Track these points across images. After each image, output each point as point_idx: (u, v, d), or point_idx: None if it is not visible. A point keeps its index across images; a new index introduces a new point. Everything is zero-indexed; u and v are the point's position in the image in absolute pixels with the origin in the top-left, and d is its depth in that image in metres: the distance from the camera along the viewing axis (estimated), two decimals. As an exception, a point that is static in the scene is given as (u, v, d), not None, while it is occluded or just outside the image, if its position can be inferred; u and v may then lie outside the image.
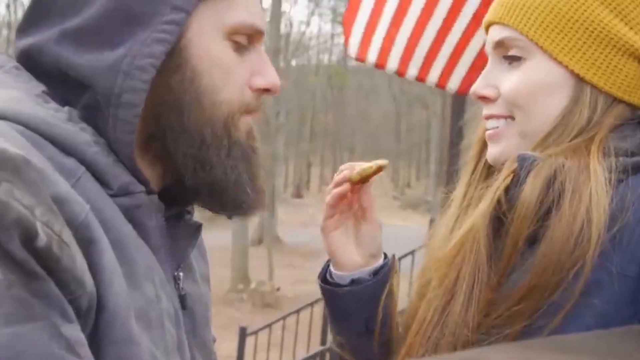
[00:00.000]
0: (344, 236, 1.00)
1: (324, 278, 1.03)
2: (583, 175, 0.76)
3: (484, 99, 0.89)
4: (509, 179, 0.80)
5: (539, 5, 0.85)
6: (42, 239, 0.51)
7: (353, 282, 0.99)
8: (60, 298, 0.52)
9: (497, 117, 0.88)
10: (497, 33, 0.88)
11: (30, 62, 0.68)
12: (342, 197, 0.99)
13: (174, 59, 0.66)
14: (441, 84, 3.41)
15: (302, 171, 31.85)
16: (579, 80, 0.84)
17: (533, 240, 0.77)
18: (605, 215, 0.73)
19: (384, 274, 0.99)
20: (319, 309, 5.21)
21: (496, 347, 0.46)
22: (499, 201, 0.80)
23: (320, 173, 34.00)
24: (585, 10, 0.83)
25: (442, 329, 0.82)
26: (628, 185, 0.75)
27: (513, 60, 0.86)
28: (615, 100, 0.83)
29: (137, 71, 0.63)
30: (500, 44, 0.88)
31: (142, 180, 0.66)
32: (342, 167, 1.01)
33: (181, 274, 0.74)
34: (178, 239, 0.73)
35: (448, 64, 3.33)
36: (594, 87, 0.83)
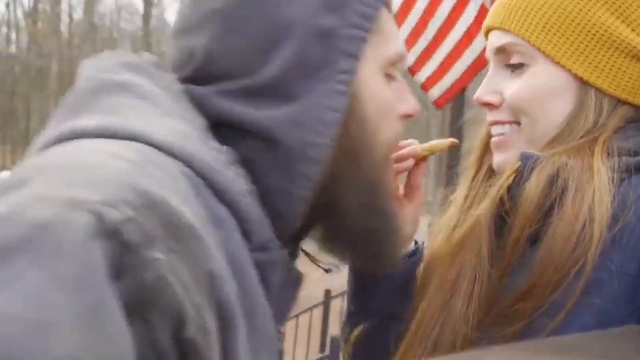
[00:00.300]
0: None
1: None
2: (586, 174, 0.76)
3: (488, 105, 0.88)
4: (512, 177, 0.80)
5: (539, 10, 0.84)
6: (190, 330, 0.46)
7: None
8: None
9: (502, 122, 0.88)
10: (497, 39, 0.87)
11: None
12: (402, 172, 0.95)
13: (347, 110, 0.64)
14: (425, 87, 3.41)
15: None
16: (583, 83, 0.84)
17: (535, 239, 0.77)
18: (607, 214, 0.73)
19: (418, 258, 0.97)
20: (319, 313, 5.19)
21: (492, 349, 0.46)
22: (501, 199, 0.80)
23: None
24: (586, 13, 0.83)
25: (442, 327, 0.82)
26: (630, 184, 0.76)
27: (515, 68, 0.86)
28: (620, 102, 0.84)
29: (323, 127, 0.62)
30: (501, 50, 0.87)
31: (283, 237, 0.63)
32: (403, 142, 0.96)
33: (283, 329, 0.71)
34: (287, 291, 0.68)
35: (438, 70, 3.35)
36: (598, 90, 0.83)
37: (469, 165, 0.96)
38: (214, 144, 0.60)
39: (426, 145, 0.94)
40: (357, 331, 0.98)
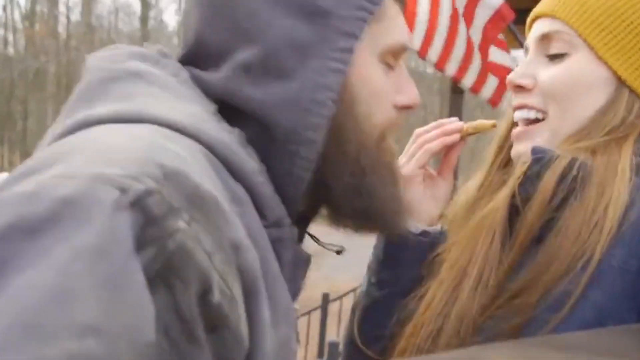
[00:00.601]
0: (425, 188, 0.98)
1: None
2: (611, 171, 0.77)
3: (520, 88, 0.88)
4: (525, 170, 0.81)
5: (594, 4, 0.85)
6: (216, 295, 0.48)
7: (423, 233, 0.96)
8: None
9: (529, 107, 0.88)
10: (544, 26, 0.88)
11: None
12: (447, 147, 0.96)
13: (340, 90, 0.64)
14: (457, 78, 3.38)
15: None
16: (620, 82, 0.84)
17: (544, 233, 0.78)
18: (621, 211, 0.74)
19: (443, 238, 0.97)
20: (317, 317, 5.18)
21: (494, 345, 0.46)
22: (516, 190, 0.81)
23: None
24: (639, 15, 0.83)
25: (448, 311, 0.82)
26: (638, 183, 0.77)
27: (555, 57, 0.86)
28: None
29: (316, 107, 0.62)
30: (545, 37, 0.87)
31: (292, 213, 0.64)
32: (444, 120, 0.98)
33: (297, 307, 0.72)
34: (297, 271, 0.70)
35: (464, 60, 3.31)
36: (633, 91, 0.84)
37: (489, 153, 0.96)
38: (226, 125, 0.61)
39: (472, 123, 0.96)
40: (370, 299, 0.98)
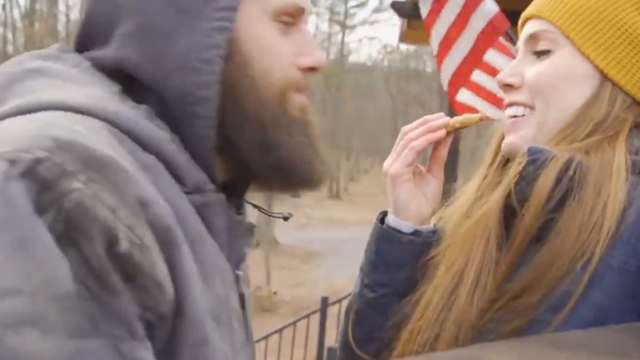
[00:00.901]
0: (414, 187, 0.96)
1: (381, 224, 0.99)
2: (606, 171, 0.78)
3: (508, 86, 0.90)
4: (521, 172, 0.81)
5: (576, 3, 0.87)
6: (124, 245, 0.51)
7: (416, 232, 0.95)
8: (129, 313, 0.51)
9: (518, 104, 0.89)
10: (531, 26, 0.91)
11: (98, 67, 0.67)
12: (435, 143, 0.96)
13: (227, 47, 0.65)
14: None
15: (300, 170, 31.81)
16: (603, 77, 0.85)
17: (542, 233, 0.78)
18: (619, 211, 0.74)
19: (439, 236, 0.96)
20: (315, 320, 5.16)
21: (494, 344, 0.45)
22: (512, 191, 0.81)
23: (317, 172, 33.97)
24: (620, 12, 0.86)
25: (446, 316, 0.82)
26: (634, 182, 0.77)
27: (542, 54, 0.88)
28: (635, 101, 0.85)
29: (205, 65, 0.63)
30: (532, 37, 0.90)
31: (213, 178, 0.66)
32: (430, 116, 0.97)
33: (241, 273, 0.74)
34: (237, 239, 0.72)
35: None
36: (615, 85, 0.85)
37: (486, 155, 0.97)
38: (131, 102, 0.64)
39: (458, 117, 0.95)
40: (363, 301, 0.98)
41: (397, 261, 0.95)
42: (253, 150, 0.68)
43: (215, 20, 0.64)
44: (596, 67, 0.85)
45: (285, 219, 0.82)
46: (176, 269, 0.56)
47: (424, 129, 0.95)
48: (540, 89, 0.87)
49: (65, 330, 0.48)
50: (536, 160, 0.79)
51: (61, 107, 0.58)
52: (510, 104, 0.91)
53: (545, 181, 0.78)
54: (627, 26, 0.85)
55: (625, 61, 0.85)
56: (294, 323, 5.48)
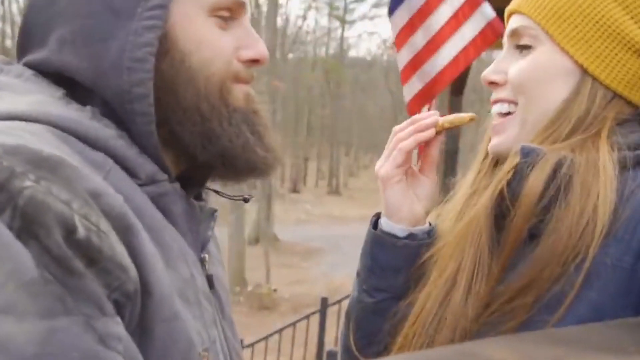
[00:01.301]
0: (406, 188, 0.95)
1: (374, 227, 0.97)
2: (592, 170, 0.77)
3: (493, 84, 0.91)
4: (512, 171, 0.80)
5: None
6: (81, 232, 0.54)
7: (410, 236, 0.94)
8: (96, 292, 0.54)
9: (503, 101, 0.90)
10: (514, 22, 0.91)
11: (43, 73, 0.69)
12: (423, 143, 0.93)
13: (162, 44, 0.67)
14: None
15: (299, 165, 31.91)
16: (583, 72, 0.85)
17: (534, 234, 0.77)
18: (610, 209, 0.74)
19: (435, 237, 0.95)
20: (315, 321, 5.16)
21: (490, 339, 0.46)
22: (501, 192, 0.80)
23: (317, 167, 34.05)
24: (597, 6, 0.85)
25: (440, 320, 0.82)
26: (628, 178, 0.76)
27: (524, 49, 0.88)
28: (616, 96, 0.84)
29: (137, 63, 0.65)
30: (514, 32, 0.90)
31: (165, 169, 0.69)
32: (419, 116, 0.95)
33: (206, 255, 0.77)
34: (199, 224, 0.75)
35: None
36: (595, 79, 0.84)
37: (478, 152, 0.96)
38: (76, 105, 0.66)
39: (448, 117, 0.93)
40: (362, 306, 0.97)
41: (394, 266, 0.94)
42: (196, 142, 0.70)
43: (146, 20, 0.66)
44: (576, 62, 0.85)
45: (246, 200, 0.85)
46: (136, 252, 0.59)
47: (412, 129, 0.93)
48: (522, 86, 0.87)
49: (36, 313, 0.51)
50: (528, 159, 0.79)
51: (5, 117, 0.61)
52: (496, 101, 0.91)
53: (536, 180, 0.77)
54: (605, 19, 0.85)
55: (604, 55, 0.84)
56: (294, 324, 5.48)
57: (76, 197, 0.55)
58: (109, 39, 0.66)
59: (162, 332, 0.61)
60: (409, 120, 0.95)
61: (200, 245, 0.76)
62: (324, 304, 5.23)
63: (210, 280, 0.76)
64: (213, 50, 0.71)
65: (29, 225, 0.52)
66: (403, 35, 3.35)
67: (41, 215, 0.53)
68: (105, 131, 0.65)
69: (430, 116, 0.93)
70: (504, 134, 0.89)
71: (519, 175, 0.79)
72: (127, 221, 0.59)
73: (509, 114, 0.89)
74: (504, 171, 0.81)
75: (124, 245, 0.58)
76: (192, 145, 0.70)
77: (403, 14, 3.36)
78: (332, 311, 5.36)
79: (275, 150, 0.76)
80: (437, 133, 0.93)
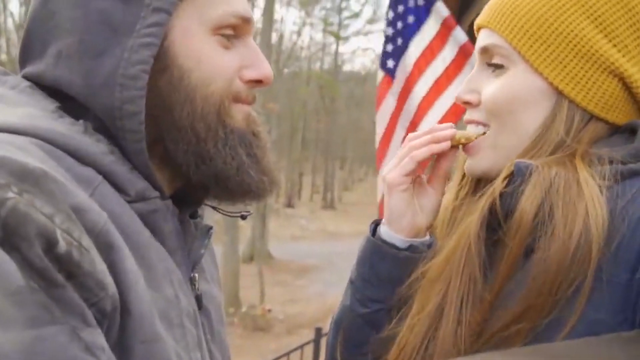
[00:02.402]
0: (411, 197, 0.92)
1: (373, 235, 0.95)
2: (574, 187, 0.75)
3: (467, 104, 0.89)
4: (504, 184, 0.78)
5: (525, 14, 0.83)
6: (62, 246, 0.53)
7: (411, 247, 0.91)
8: (80, 304, 0.54)
9: (477, 122, 0.88)
10: (484, 38, 0.88)
11: (39, 86, 0.69)
12: (435, 155, 0.92)
13: (160, 61, 0.67)
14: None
15: (294, 180, 31.90)
16: (558, 94, 0.83)
17: (529, 251, 0.75)
18: (603, 228, 0.71)
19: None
20: (309, 351, 5.09)
21: (483, 355, 0.43)
22: (491, 209, 0.78)
23: (311, 181, 34.03)
24: (570, 24, 0.82)
25: (427, 354, 0.79)
26: (618, 191, 0.74)
27: (496, 67, 0.86)
28: (593, 117, 0.83)
29: (130, 81, 0.65)
30: (485, 50, 0.88)
31: (157, 186, 0.68)
32: (437, 126, 0.93)
33: (196, 274, 0.76)
34: (192, 242, 0.75)
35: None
36: (572, 102, 0.82)
37: (459, 163, 0.94)
38: (68, 119, 0.66)
39: (465, 132, 0.91)
40: (354, 315, 0.95)
41: (393, 277, 0.91)
42: (190, 162, 0.70)
43: (142, 37, 0.66)
44: (551, 83, 0.83)
45: (243, 217, 0.83)
46: (117, 270, 0.59)
47: (427, 138, 0.91)
48: (496, 110, 0.85)
49: (23, 322, 0.51)
50: (521, 175, 0.78)
51: None
52: (470, 122, 0.90)
53: (531, 198, 0.75)
54: (578, 38, 0.82)
55: (580, 76, 0.82)
56: (288, 354, 5.42)
57: (59, 212, 0.54)
58: (105, 55, 0.65)
59: (141, 353, 0.60)
60: (427, 129, 0.93)
61: (192, 263, 0.75)
62: (318, 334, 5.17)
63: (199, 300, 0.74)
64: (215, 69, 0.70)
65: (11, 237, 0.52)
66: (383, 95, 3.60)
67: (23, 227, 0.52)
68: (96, 146, 0.64)
69: (448, 127, 0.91)
70: (477, 156, 0.87)
71: (513, 190, 0.77)
72: (109, 239, 0.59)
73: (480, 138, 0.88)
74: (498, 184, 0.80)
75: (105, 263, 0.57)
76: (185, 164, 0.70)
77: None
78: (326, 340, 5.28)
79: (273, 173, 0.75)
80: (452, 147, 0.91)
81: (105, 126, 0.67)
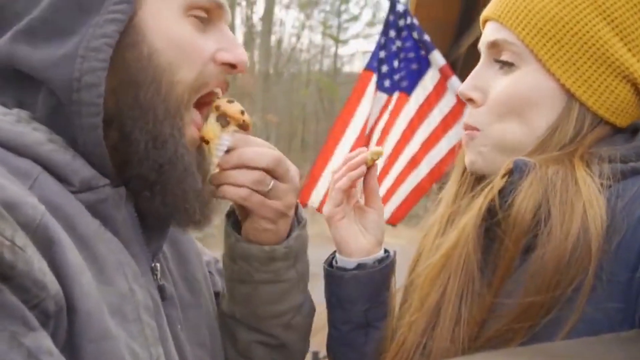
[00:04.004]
0: (352, 223, 0.99)
1: (330, 265, 1.01)
2: (572, 186, 0.74)
3: (470, 101, 0.87)
4: (503, 182, 0.78)
5: (539, 12, 0.81)
6: None
7: (359, 266, 0.97)
8: (18, 306, 0.50)
9: (472, 129, 0.87)
10: (492, 32, 0.85)
11: None
12: (356, 181, 0.97)
13: (129, 37, 0.66)
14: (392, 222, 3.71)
15: (293, 182, 31.61)
16: (570, 96, 0.81)
17: (528, 249, 0.75)
18: (603, 227, 0.70)
19: (389, 263, 0.97)
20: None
21: (482, 354, 0.45)
22: (489, 208, 0.78)
23: (310, 184, 33.78)
24: (585, 25, 0.80)
25: (425, 352, 0.80)
26: (618, 190, 0.73)
27: (504, 64, 0.84)
28: (602, 121, 0.82)
29: (93, 52, 0.63)
30: (494, 45, 0.85)
31: (107, 172, 0.65)
32: (350, 155, 0.99)
33: (158, 264, 0.73)
34: (151, 231, 0.72)
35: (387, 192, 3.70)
36: (582, 105, 0.81)
37: (458, 162, 0.95)
38: (1, 109, 0.63)
39: (374, 149, 0.98)
40: (332, 338, 1.00)
41: (348, 297, 0.96)
42: (141, 141, 0.67)
43: (108, 13, 0.64)
44: (562, 85, 0.81)
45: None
46: (59, 266, 0.56)
47: (344, 169, 0.97)
48: (505, 111, 0.83)
49: None
50: (519, 174, 0.77)
51: None
52: (467, 128, 0.88)
53: (529, 196, 0.74)
54: (593, 40, 0.80)
55: (592, 80, 0.80)
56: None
57: None
58: (70, 33, 0.64)
59: (91, 352, 0.56)
60: (342, 161, 0.99)
61: (152, 253, 0.72)
62: (315, 358, 5.12)
63: (162, 290, 0.72)
64: (185, 51, 0.69)
65: None
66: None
67: None
68: (32, 136, 0.62)
69: (359, 154, 0.98)
70: (475, 151, 0.86)
71: (510, 190, 0.77)
72: (49, 234, 0.55)
73: (477, 133, 0.87)
74: (493, 186, 0.79)
75: (46, 259, 0.54)
76: (136, 144, 0.67)
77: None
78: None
79: (212, 208, 0.74)
80: (369, 167, 0.98)
81: (50, 113, 0.64)
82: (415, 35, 3.60)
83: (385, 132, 3.65)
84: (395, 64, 3.62)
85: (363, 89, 3.65)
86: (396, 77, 3.63)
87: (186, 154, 0.70)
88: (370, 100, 3.63)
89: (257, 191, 0.80)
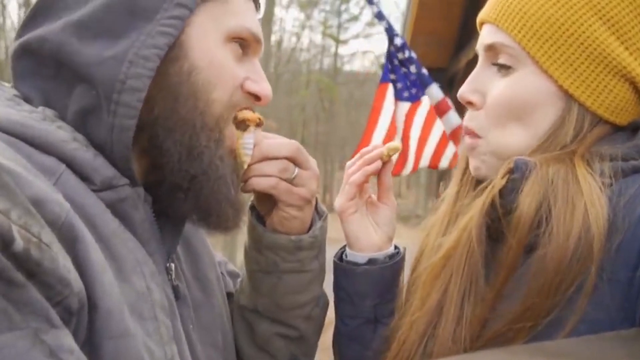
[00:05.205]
0: (363, 218, 0.99)
1: (340, 260, 1.01)
2: (573, 185, 0.74)
3: (470, 104, 0.87)
4: (504, 182, 0.78)
5: (534, 13, 0.81)
6: (19, 244, 0.50)
7: (370, 261, 0.97)
8: (42, 304, 0.51)
9: (473, 134, 0.87)
10: (489, 35, 0.85)
11: (28, 54, 0.68)
12: (370, 175, 0.98)
13: (174, 51, 0.68)
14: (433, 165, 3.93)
15: (293, 182, 31.66)
16: (568, 97, 0.81)
17: (528, 250, 0.74)
18: (604, 227, 0.70)
19: (399, 260, 0.98)
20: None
21: (482, 353, 0.46)
22: (492, 208, 0.78)
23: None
24: (581, 25, 0.80)
25: (426, 352, 0.79)
26: (619, 188, 0.73)
27: (502, 67, 0.84)
28: (601, 120, 0.81)
29: (142, 60, 0.65)
30: (491, 48, 0.85)
31: (128, 173, 0.67)
32: (365, 149, 0.99)
33: (172, 264, 0.75)
34: (166, 231, 0.74)
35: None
36: (581, 105, 0.81)
37: (460, 160, 0.95)
38: (26, 106, 0.65)
39: (391, 144, 0.97)
40: (339, 333, 1.00)
41: (358, 292, 0.96)
42: (175, 152, 0.69)
43: (162, 26, 0.67)
44: (560, 86, 0.80)
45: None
46: (83, 264, 0.56)
47: (360, 163, 0.97)
48: (504, 114, 0.83)
49: None
50: (520, 173, 0.77)
51: None
52: (467, 131, 0.88)
53: (531, 197, 0.74)
54: (590, 40, 0.79)
55: (590, 80, 0.80)
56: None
57: (15, 206, 0.51)
58: (118, 36, 0.66)
59: (110, 349, 0.57)
60: (358, 155, 1.00)
61: (167, 253, 0.74)
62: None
63: (176, 290, 0.73)
64: (222, 73, 0.71)
65: None
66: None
67: None
68: (57, 133, 0.63)
69: (375, 149, 0.98)
70: (478, 158, 0.86)
71: (511, 189, 0.76)
72: (74, 231, 0.56)
73: (479, 140, 0.87)
74: (494, 185, 0.79)
75: (70, 257, 0.55)
76: (169, 154, 0.69)
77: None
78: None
79: (243, 211, 0.77)
80: (384, 162, 0.98)
81: (80, 111, 0.66)
82: (413, 69, 3.71)
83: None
84: (407, 83, 3.82)
85: (382, 99, 3.79)
86: (413, 90, 3.83)
87: (221, 165, 0.72)
88: (391, 108, 3.78)
89: (283, 180, 0.84)
